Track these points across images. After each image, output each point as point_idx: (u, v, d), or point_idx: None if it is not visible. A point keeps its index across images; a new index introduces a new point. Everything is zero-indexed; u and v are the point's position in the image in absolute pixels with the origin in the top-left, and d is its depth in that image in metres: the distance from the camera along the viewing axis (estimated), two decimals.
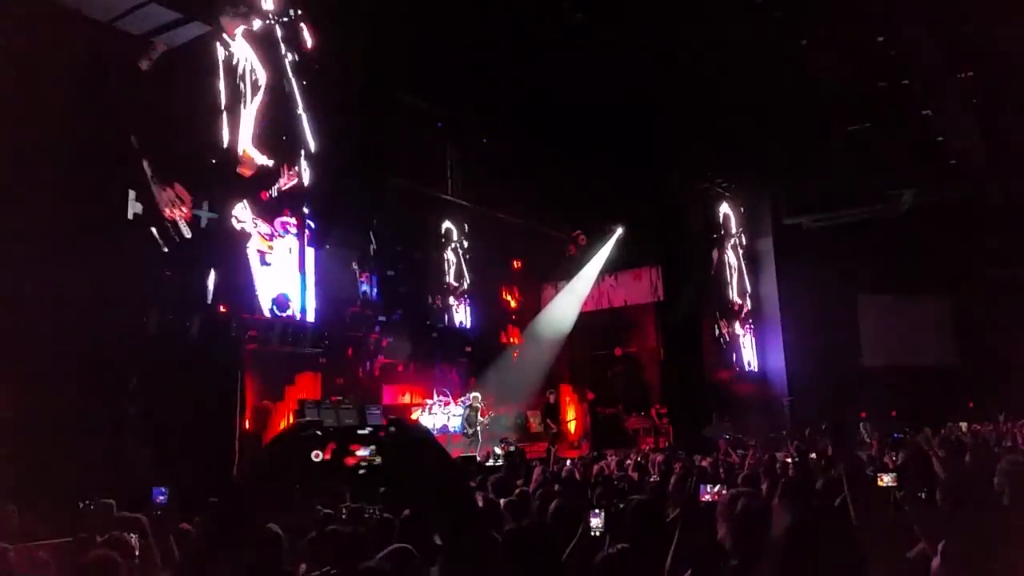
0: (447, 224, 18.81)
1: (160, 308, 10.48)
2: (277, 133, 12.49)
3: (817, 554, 2.10)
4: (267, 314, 12.20)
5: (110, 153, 10.22)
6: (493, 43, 13.68)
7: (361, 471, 1.42)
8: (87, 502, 5.79)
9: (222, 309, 11.47)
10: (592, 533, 3.98)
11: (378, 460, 1.41)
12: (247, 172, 11.97)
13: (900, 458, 7.97)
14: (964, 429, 13.05)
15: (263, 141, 12.30)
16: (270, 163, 12.41)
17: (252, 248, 12.23)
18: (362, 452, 1.41)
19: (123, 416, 9.69)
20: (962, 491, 4.44)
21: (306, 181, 12.92)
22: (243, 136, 12.04)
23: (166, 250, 10.78)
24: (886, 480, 4.71)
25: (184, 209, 10.88)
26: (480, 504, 5.44)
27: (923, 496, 4.67)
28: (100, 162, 10.05)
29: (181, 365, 10.29)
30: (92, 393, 9.32)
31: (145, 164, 10.50)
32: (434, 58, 13.96)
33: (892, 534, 3.83)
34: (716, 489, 4.01)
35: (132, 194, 10.40)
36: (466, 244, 19.16)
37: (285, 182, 12.64)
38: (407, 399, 17.12)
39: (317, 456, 1.42)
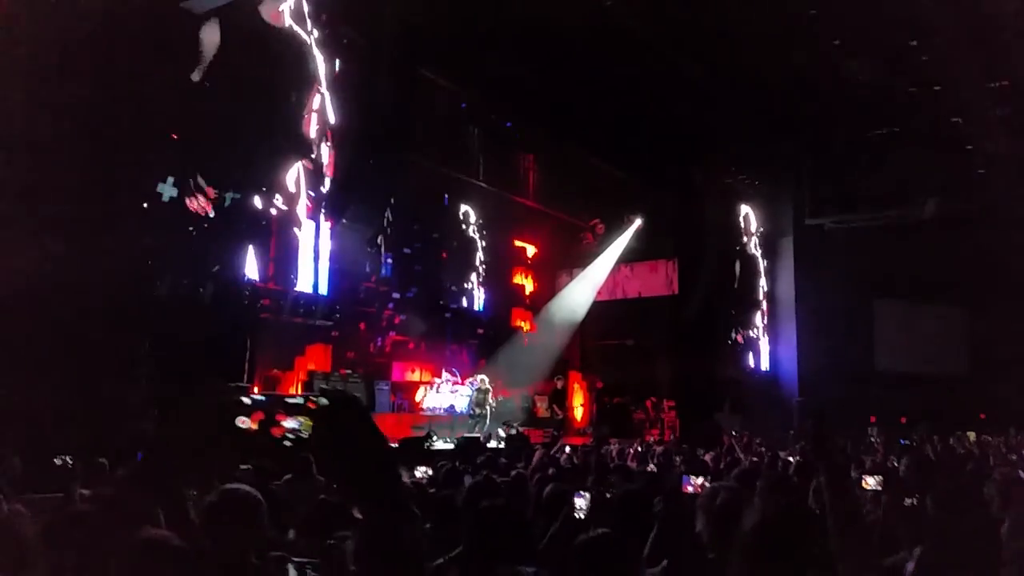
0: (465, 206, 18.83)
1: (174, 275, 10.60)
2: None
3: (781, 552, 2.12)
4: (300, 286, 12.37)
5: (146, 138, 10.35)
6: (522, 27, 13.61)
7: (287, 442, 1.39)
8: (64, 459, 5.88)
9: (248, 280, 11.61)
10: (576, 515, 4.02)
11: (305, 433, 1.38)
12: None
13: (904, 464, 7.91)
14: (972, 439, 12.96)
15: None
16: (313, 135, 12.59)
17: (275, 225, 12.40)
18: (289, 423, 1.39)
19: (132, 378, 9.82)
20: (953, 500, 4.41)
21: (325, 156, 12.98)
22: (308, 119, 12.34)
23: (191, 229, 10.91)
24: (871, 483, 4.67)
25: (201, 200, 10.95)
26: (407, 480, 5.48)
27: (914, 502, 4.64)
28: (139, 147, 10.21)
29: (192, 331, 10.41)
30: (103, 356, 9.45)
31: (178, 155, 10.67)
32: (463, 38, 13.93)
33: (871, 538, 3.83)
34: (699, 481, 4.03)
35: (171, 180, 10.52)
36: (484, 227, 19.18)
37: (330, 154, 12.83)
38: (416, 376, 17.23)
39: (244, 423, 1.40)
